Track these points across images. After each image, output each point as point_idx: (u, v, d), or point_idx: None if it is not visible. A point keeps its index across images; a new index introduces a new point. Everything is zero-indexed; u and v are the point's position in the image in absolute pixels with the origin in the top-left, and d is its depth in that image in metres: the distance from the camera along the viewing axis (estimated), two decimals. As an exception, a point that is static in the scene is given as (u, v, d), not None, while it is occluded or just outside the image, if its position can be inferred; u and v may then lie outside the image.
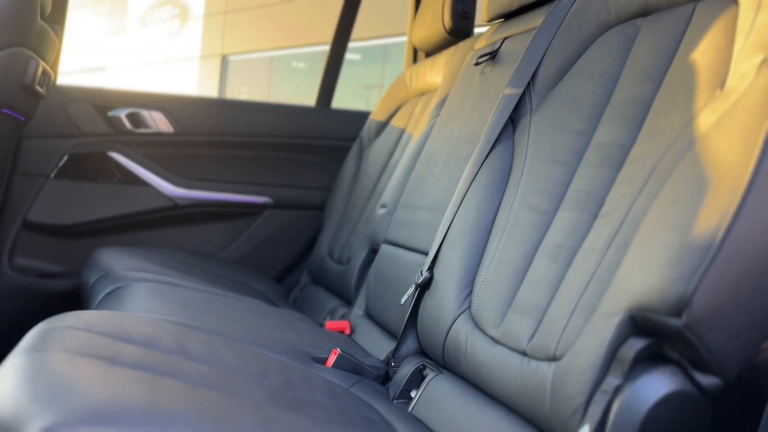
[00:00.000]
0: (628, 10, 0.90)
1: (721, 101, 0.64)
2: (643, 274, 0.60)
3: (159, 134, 1.81)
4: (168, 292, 1.17)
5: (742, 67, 0.63)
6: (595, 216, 0.78)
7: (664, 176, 0.67)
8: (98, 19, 14.84)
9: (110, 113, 1.76)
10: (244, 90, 12.61)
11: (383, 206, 1.40)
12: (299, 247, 1.92)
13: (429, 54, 1.72)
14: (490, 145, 1.04)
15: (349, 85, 8.17)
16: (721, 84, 0.67)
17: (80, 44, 14.83)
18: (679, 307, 0.54)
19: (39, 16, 1.27)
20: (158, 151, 1.81)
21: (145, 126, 1.80)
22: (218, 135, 1.88)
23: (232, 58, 12.38)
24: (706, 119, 0.65)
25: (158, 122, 1.81)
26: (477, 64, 1.22)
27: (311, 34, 9.10)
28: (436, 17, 1.57)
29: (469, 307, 0.93)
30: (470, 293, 0.94)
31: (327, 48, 2.04)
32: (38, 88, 1.35)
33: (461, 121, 1.21)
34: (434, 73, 1.58)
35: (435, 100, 1.45)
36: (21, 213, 1.68)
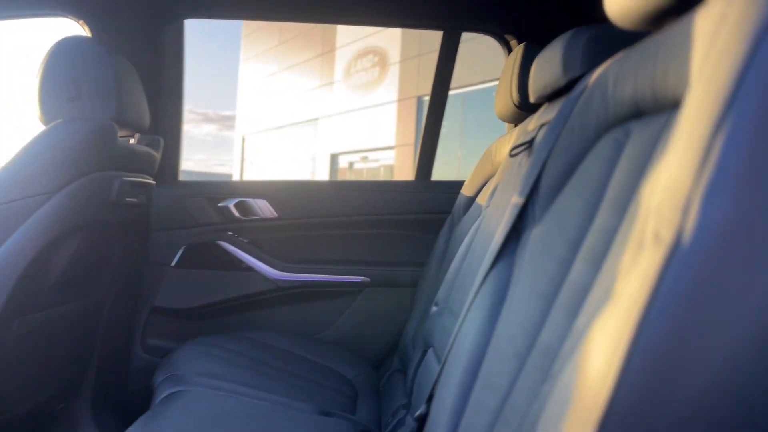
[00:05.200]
0: (622, 111, 0.74)
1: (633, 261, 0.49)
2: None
3: (263, 220, 1.92)
4: (213, 403, 1.22)
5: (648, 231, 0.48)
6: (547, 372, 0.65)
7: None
8: (310, 75, 16.39)
9: (220, 204, 1.92)
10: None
11: (436, 304, 1.31)
12: (396, 329, 1.88)
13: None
14: (491, 261, 0.92)
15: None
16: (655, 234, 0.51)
17: (293, 99, 16.53)
18: None
19: (116, 141, 1.43)
20: (262, 236, 1.92)
21: (252, 213, 1.92)
22: (316, 217, 1.93)
23: (426, 98, 12.80)
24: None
25: (263, 209, 1.92)
26: (512, 155, 1.10)
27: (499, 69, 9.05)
28: (506, 87, 1.45)
29: (450, 458, 0.82)
30: (453, 442, 0.83)
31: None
32: (129, 199, 1.52)
33: (497, 218, 1.09)
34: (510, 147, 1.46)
35: (492, 185, 1.34)
36: (150, 300, 1.89)
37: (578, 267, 0.70)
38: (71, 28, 1.79)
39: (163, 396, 1.29)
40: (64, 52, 1.43)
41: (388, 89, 13.60)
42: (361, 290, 1.90)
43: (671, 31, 0.59)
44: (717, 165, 0.41)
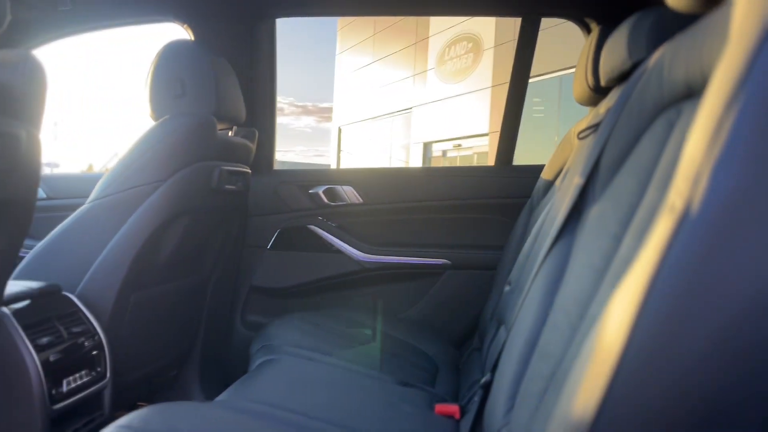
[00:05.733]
0: (676, 92, 0.76)
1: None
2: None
3: (350, 205, 2.03)
4: (301, 369, 1.34)
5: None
6: None
7: None
8: (403, 65, 16.49)
9: (311, 191, 2.05)
10: (538, 110, 12.65)
11: (509, 284, 1.36)
12: (476, 309, 1.93)
13: None
14: (553, 238, 0.96)
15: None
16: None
17: (387, 90, 16.68)
18: None
19: (215, 134, 1.58)
20: (349, 221, 2.03)
21: (339, 199, 2.04)
22: (400, 202, 2.02)
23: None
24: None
25: (349, 195, 2.03)
26: (580, 138, 1.13)
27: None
28: (582, 71, 1.46)
29: (509, 423, 0.88)
30: (512, 408, 0.89)
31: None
32: (227, 187, 1.68)
33: (562, 199, 1.13)
34: None
35: (566, 168, 1.36)
36: (249, 279, 2.06)
37: (627, 242, 0.74)
38: (172, 33, 1.97)
39: (257, 363, 1.42)
40: (170, 54, 1.59)
41: (482, 75, 13.45)
42: (442, 272, 1.97)
43: (717, 13, 0.62)
44: (726, 141, 0.45)
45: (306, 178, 2.08)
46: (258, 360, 1.44)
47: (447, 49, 14.97)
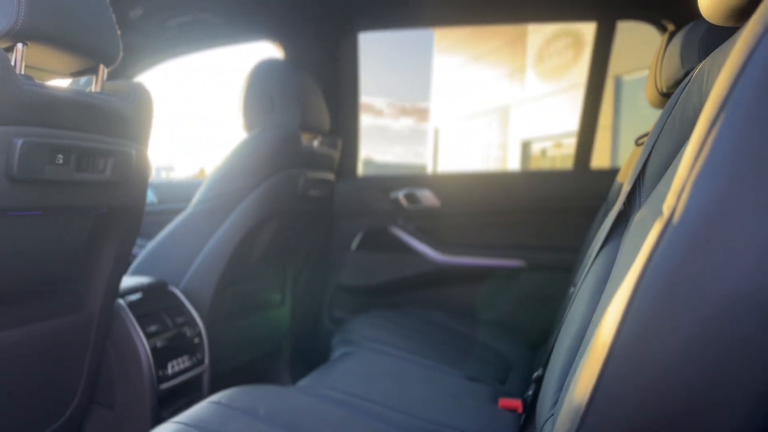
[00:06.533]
0: None
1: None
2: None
3: (428, 208, 2.12)
4: (375, 361, 1.46)
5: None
6: None
7: None
8: (500, 62, 16.29)
9: (392, 194, 2.16)
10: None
11: (574, 285, 1.39)
12: (552, 310, 1.96)
13: None
14: (601, 242, 1.00)
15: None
16: None
17: (483, 88, 16.54)
18: None
19: (300, 145, 1.72)
20: (427, 223, 2.12)
21: (418, 203, 2.13)
22: (476, 205, 2.08)
23: (626, 78, 12.05)
24: None
25: (428, 198, 2.12)
26: (638, 144, 1.16)
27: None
28: (652, 74, 1.47)
29: (554, 415, 0.93)
30: (557, 401, 0.94)
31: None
32: (312, 192, 1.82)
33: (614, 203, 1.17)
34: None
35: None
36: (336, 278, 2.20)
37: None
38: (263, 53, 2.15)
39: (337, 354, 1.55)
40: (261, 72, 1.76)
41: (584, 71, 13.04)
42: (518, 274, 2.02)
43: (745, 27, 0.66)
44: (707, 158, 0.51)
45: (387, 183, 2.19)
46: (338, 351, 1.57)
47: (546, 45, 14.62)
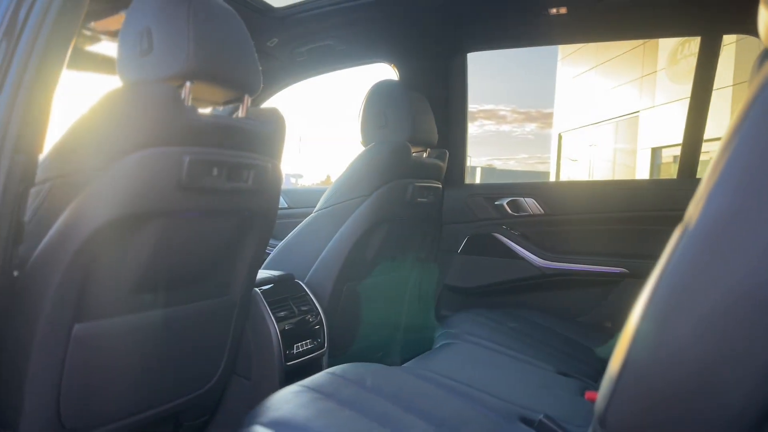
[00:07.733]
0: None
1: None
2: None
3: (532, 216, 2.24)
4: (472, 352, 1.62)
5: None
6: None
7: None
8: (629, 67, 15.63)
9: (496, 202, 2.30)
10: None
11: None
12: None
13: None
14: None
15: None
16: None
17: (610, 94, 15.91)
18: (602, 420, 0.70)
19: (410, 157, 1.92)
20: (531, 230, 2.24)
21: (522, 210, 2.26)
22: (580, 213, 2.17)
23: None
24: None
25: (531, 207, 2.24)
26: None
27: None
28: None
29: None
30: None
31: None
32: (419, 199, 2.01)
33: None
34: None
35: None
36: (443, 278, 2.38)
37: None
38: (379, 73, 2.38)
39: (437, 345, 1.73)
40: (376, 93, 1.98)
41: (722, 74, 12.22)
42: (620, 280, 2.08)
43: None
44: (719, 175, 0.63)
45: (492, 191, 2.34)
46: (438, 343, 1.75)
47: (680, 47, 13.86)
